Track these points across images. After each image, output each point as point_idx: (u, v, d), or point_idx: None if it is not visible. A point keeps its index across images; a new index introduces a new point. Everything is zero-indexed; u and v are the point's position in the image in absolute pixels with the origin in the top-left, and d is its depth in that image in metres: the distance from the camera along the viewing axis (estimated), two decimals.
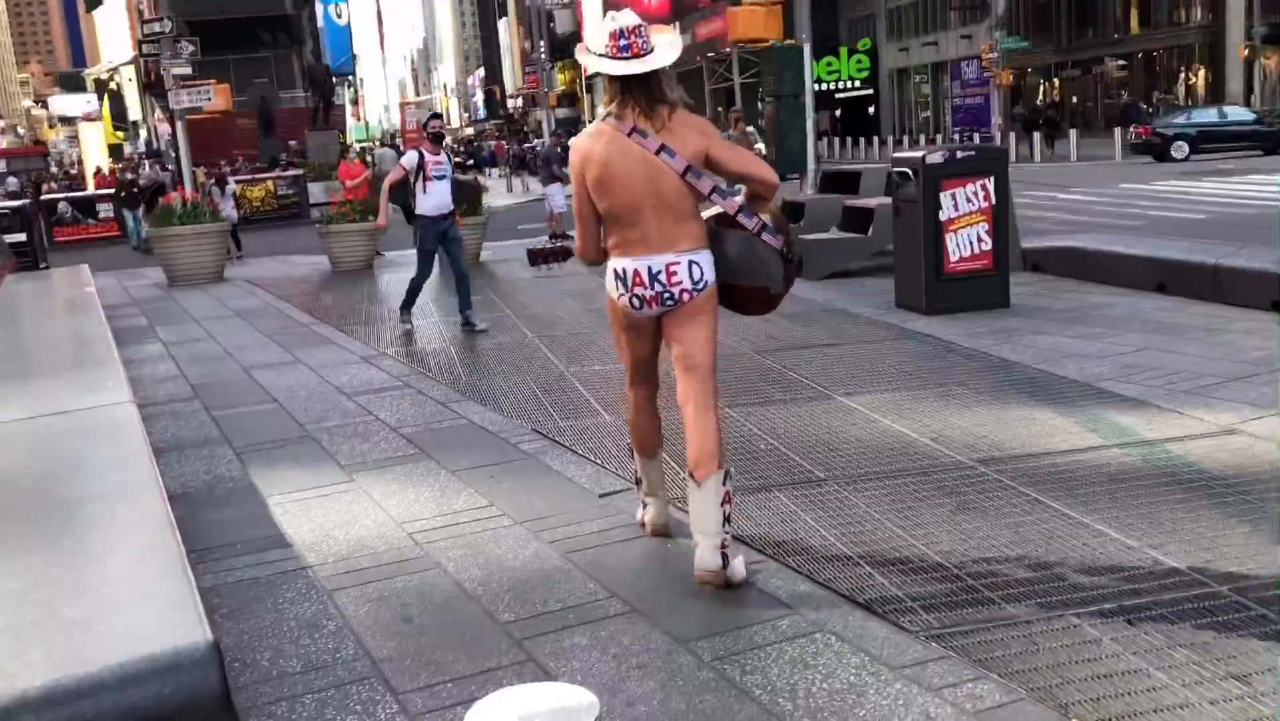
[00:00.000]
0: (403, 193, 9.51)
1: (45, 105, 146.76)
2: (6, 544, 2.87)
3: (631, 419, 4.03)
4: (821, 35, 57.65)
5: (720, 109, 62.49)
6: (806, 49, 13.35)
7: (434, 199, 9.09)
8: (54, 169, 52.57)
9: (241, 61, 59.67)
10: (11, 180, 34.02)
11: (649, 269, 3.59)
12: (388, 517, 4.52)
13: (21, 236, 16.50)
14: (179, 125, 16.73)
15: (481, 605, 3.63)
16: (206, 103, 16.32)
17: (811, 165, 13.72)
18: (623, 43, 3.58)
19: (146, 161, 61.77)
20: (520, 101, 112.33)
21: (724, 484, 3.62)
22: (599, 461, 5.14)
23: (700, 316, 3.66)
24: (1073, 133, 33.65)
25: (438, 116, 9.89)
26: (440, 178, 9.11)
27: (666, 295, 3.62)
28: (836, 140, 46.49)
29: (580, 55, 3.81)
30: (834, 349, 7.48)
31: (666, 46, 3.62)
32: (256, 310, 11.08)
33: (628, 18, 3.63)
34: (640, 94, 3.58)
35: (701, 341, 3.68)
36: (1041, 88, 46.89)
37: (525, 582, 3.78)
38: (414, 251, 10.11)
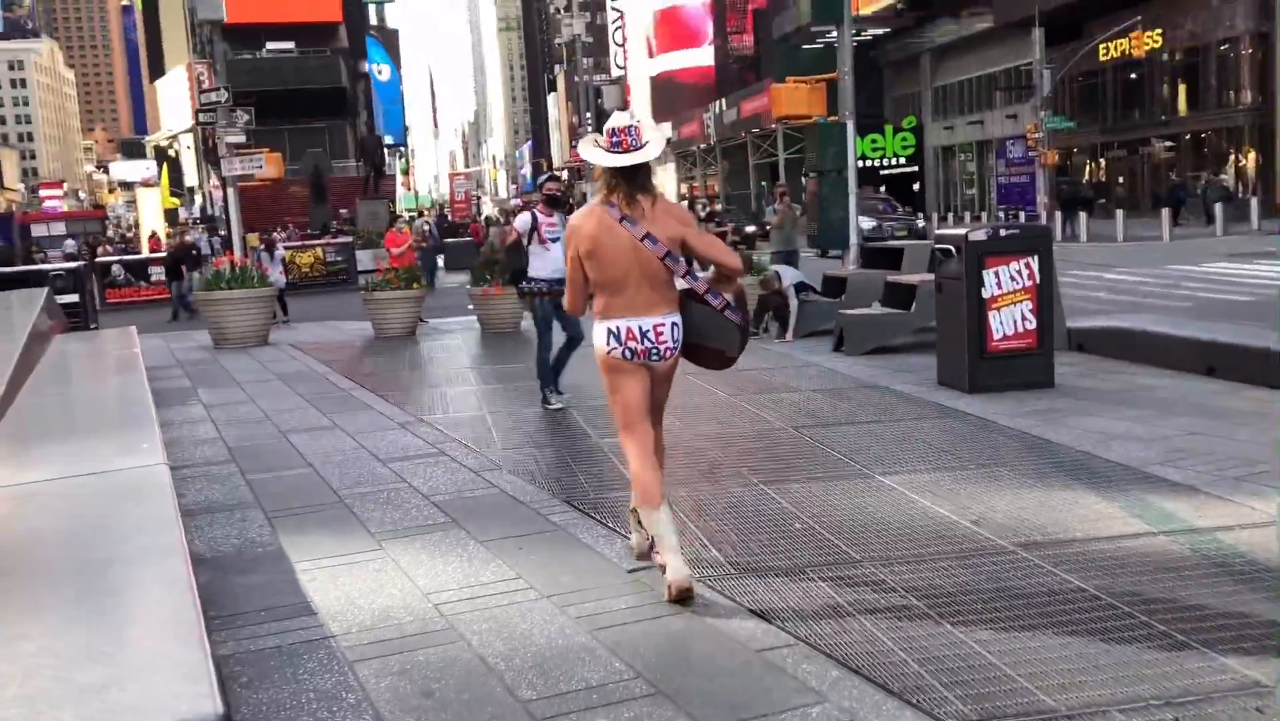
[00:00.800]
0: (517, 257, 8.79)
1: (106, 170, 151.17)
2: (26, 605, 2.85)
3: (637, 475, 4.39)
4: (867, 112, 58.27)
5: (764, 183, 63.16)
6: (849, 125, 13.42)
7: (551, 263, 8.39)
8: (110, 232, 53.85)
9: (297, 131, 61.26)
10: (69, 242, 34.91)
11: (639, 328, 4.24)
12: (414, 587, 4.46)
13: (74, 297, 16.86)
14: (231, 191, 17.13)
15: (504, 681, 3.55)
16: (258, 170, 16.71)
17: (854, 240, 13.71)
18: (615, 139, 4.20)
19: (200, 226, 63.19)
20: (566, 174, 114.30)
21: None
22: (628, 535, 5.07)
23: (673, 370, 4.47)
24: (1119, 213, 33.45)
25: (555, 179, 9.29)
26: (555, 240, 8.46)
27: (654, 351, 4.28)
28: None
29: (581, 148, 4.38)
30: (874, 426, 7.38)
31: (653, 143, 4.23)
32: (299, 374, 11.17)
33: (621, 119, 4.26)
34: (627, 184, 4.19)
35: (667, 390, 4.54)
36: (1088, 167, 46.81)
37: (549, 659, 3.70)
38: (457, 320, 10.05)
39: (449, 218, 55.21)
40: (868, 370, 9.71)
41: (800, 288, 12.24)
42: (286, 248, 29.98)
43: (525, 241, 8.63)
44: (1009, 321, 8.39)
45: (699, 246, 4.31)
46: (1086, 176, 46.38)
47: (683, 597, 4.11)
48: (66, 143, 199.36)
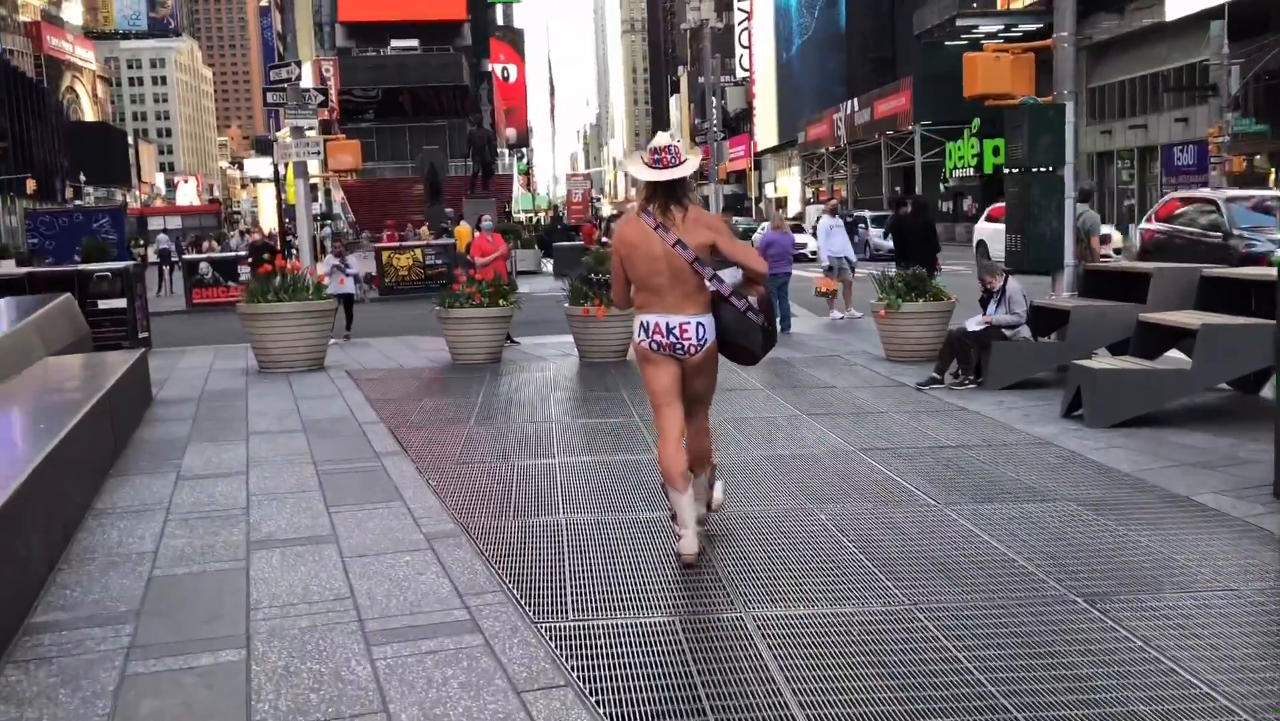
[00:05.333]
0: None
1: (241, 166, 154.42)
2: None
3: (663, 450, 4.81)
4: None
5: (898, 188, 59.27)
6: (1069, 108, 10.15)
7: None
8: (224, 228, 53.02)
9: (417, 130, 59.96)
10: (162, 237, 33.23)
11: (666, 324, 4.70)
12: None
13: (120, 303, 14.59)
14: (300, 183, 14.64)
15: None
16: (315, 156, 14.17)
17: (1069, 260, 10.42)
18: (657, 156, 4.69)
19: (319, 223, 62.38)
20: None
21: (710, 486, 5.19)
22: None
23: (707, 364, 4.85)
24: None
25: None
26: None
27: (678, 346, 4.72)
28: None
29: (626, 162, 5.00)
30: (1212, 596, 4.21)
31: (688, 163, 4.72)
32: (333, 424, 8.44)
33: (662, 139, 4.78)
34: (664, 196, 4.67)
35: (706, 383, 4.95)
36: (1273, 176, 41.80)
37: None
38: (553, 341, 7.46)
39: (563, 219, 52.89)
40: (1135, 457, 6.51)
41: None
42: (383, 248, 27.85)
43: None
44: None
45: (729, 251, 4.74)
46: (1273, 184, 41.39)
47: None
48: (203, 138, 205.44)
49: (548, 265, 36.03)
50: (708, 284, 4.64)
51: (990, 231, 25.18)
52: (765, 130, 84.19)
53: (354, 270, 15.42)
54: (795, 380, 10.18)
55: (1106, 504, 5.61)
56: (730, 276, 4.78)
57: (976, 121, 50.72)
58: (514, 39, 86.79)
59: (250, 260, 16.45)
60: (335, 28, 64.45)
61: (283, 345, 11.51)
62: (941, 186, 54.27)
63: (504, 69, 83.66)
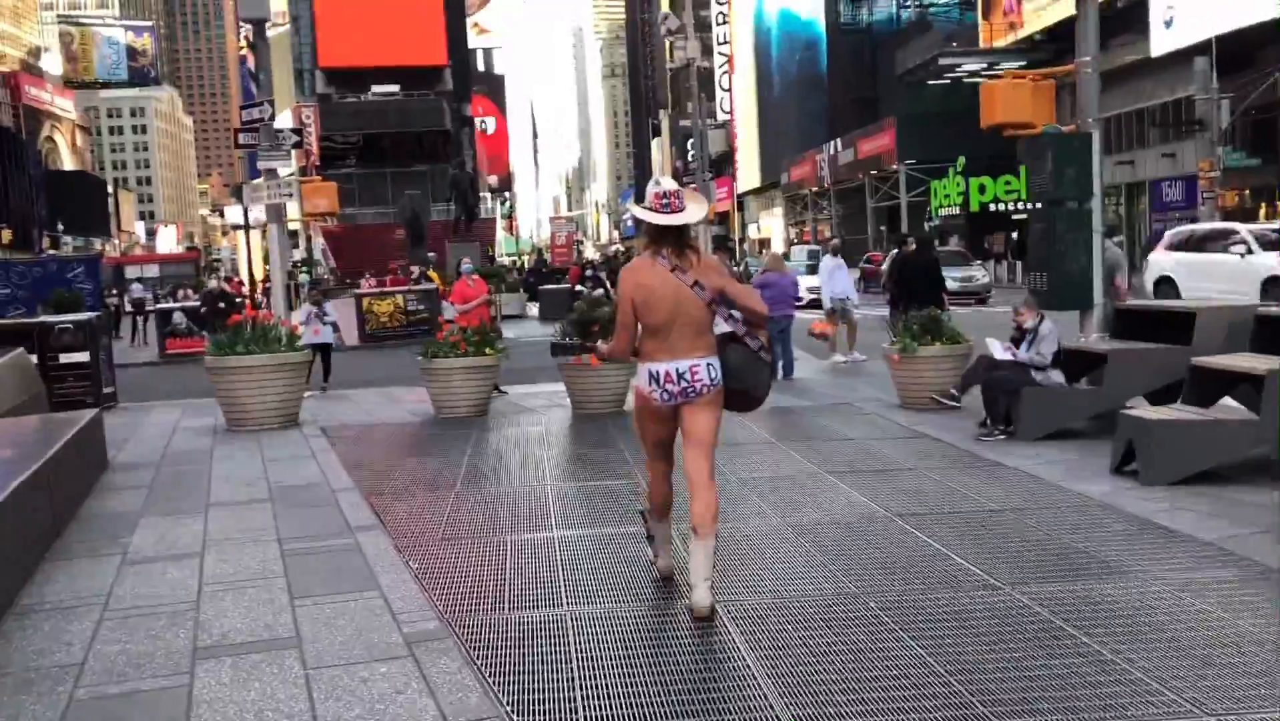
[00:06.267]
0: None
1: (221, 214, 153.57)
2: None
3: (654, 490, 5.05)
4: (994, 152, 53.96)
5: (882, 227, 58.92)
6: (1095, 137, 9.50)
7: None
8: (202, 276, 51.99)
9: (399, 175, 59.37)
10: (136, 286, 32.20)
11: (677, 370, 4.65)
12: None
13: (83, 356, 13.71)
14: (274, 228, 13.85)
15: None
16: (288, 199, 13.41)
17: (1099, 298, 9.72)
18: (665, 201, 4.69)
19: (300, 268, 61.41)
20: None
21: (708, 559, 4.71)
22: None
23: (712, 406, 4.73)
24: None
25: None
26: None
27: (690, 389, 4.67)
28: (1019, 264, 42.13)
29: (632, 208, 5.20)
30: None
31: (696, 209, 4.75)
32: (304, 491, 7.62)
33: (669, 184, 4.76)
34: (674, 240, 4.69)
35: (710, 425, 4.75)
36: (1262, 211, 41.52)
37: None
38: (544, 391, 6.77)
39: (548, 262, 52.23)
40: (1209, 522, 5.76)
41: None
42: (363, 295, 27.07)
43: None
44: None
45: (735, 295, 4.75)
46: (1262, 221, 41.12)
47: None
48: (184, 186, 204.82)
49: (533, 309, 35.31)
50: (725, 324, 4.71)
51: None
52: (747, 171, 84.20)
53: (332, 318, 14.61)
54: (807, 431, 9.41)
55: (1197, 585, 4.85)
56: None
57: (961, 160, 50.54)
58: (493, 90, 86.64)
59: (205, 310, 15.26)
60: (316, 74, 64.12)
61: (252, 401, 10.68)
62: (926, 225, 53.90)
63: (482, 122, 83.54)
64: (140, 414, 12.61)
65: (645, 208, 4.69)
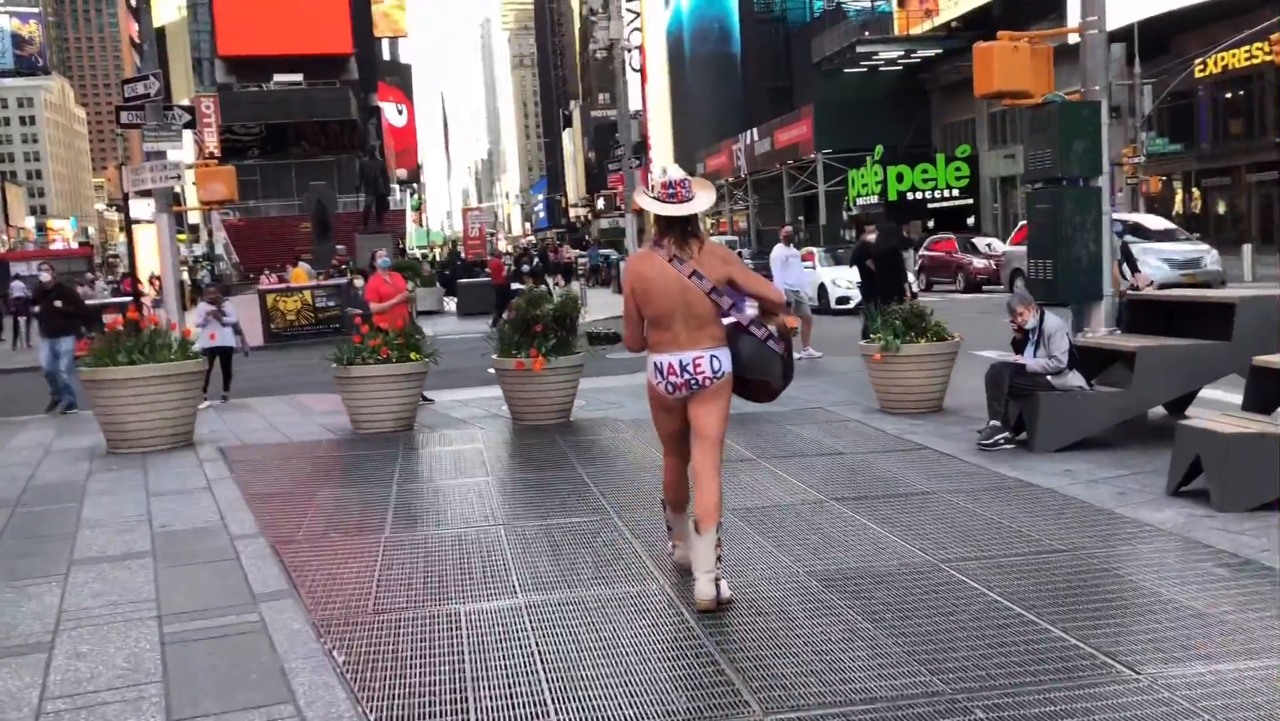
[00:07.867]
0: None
1: (118, 209, 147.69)
2: None
3: (666, 481, 5.02)
4: (913, 141, 53.62)
5: (801, 217, 58.29)
6: (1103, 106, 8.46)
7: None
8: (91, 274, 48.79)
9: (304, 166, 56.93)
10: (17, 284, 29.73)
11: (680, 362, 4.59)
12: None
13: None
14: (164, 217, 12.17)
15: None
16: (175, 181, 11.76)
17: (1108, 288, 8.69)
18: (670, 191, 4.60)
19: (200, 263, 58.44)
20: (584, 211, 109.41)
21: (717, 533, 4.55)
22: None
23: (717, 399, 4.65)
24: (1246, 248, 28.45)
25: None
26: None
27: (693, 381, 4.60)
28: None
29: (638, 197, 4.90)
30: None
31: (702, 197, 4.63)
32: (195, 539, 6.15)
33: (676, 172, 4.69)
34: (679, 229, 4.60)
35: (715, 418, 4.65)
36: (1178, 197, 41.74)
37: None
38: (474, 396, 6.54)
39: (462, 255, 50.38)
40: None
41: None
42: (267, 292, 25.26)
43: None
44: None
45: (744, 282, 4.66)
46: (1178, 207, 41.33)
47: (706, 609, 4.52)
48: (77, 180, 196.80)
49: (450, 304, 33.70)
50: (727, 313, 4.64)
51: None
52: (662, 162, 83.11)
53: (233, 319, 12.98)
54: (788, 444, 8.21)
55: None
56: (749, 310, 4.73)
57: (879, 149, 50.20)
58: (402, 79, 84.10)
59: (39, 310, 12.65)
60: (215, 63, 61.31)
61: (136, 420, 9.10)
62: (844, 214, 53.47)
63: (400, 109, 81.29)
64: (8, 432, 10.89)
65: (652, 198, 4.60)
